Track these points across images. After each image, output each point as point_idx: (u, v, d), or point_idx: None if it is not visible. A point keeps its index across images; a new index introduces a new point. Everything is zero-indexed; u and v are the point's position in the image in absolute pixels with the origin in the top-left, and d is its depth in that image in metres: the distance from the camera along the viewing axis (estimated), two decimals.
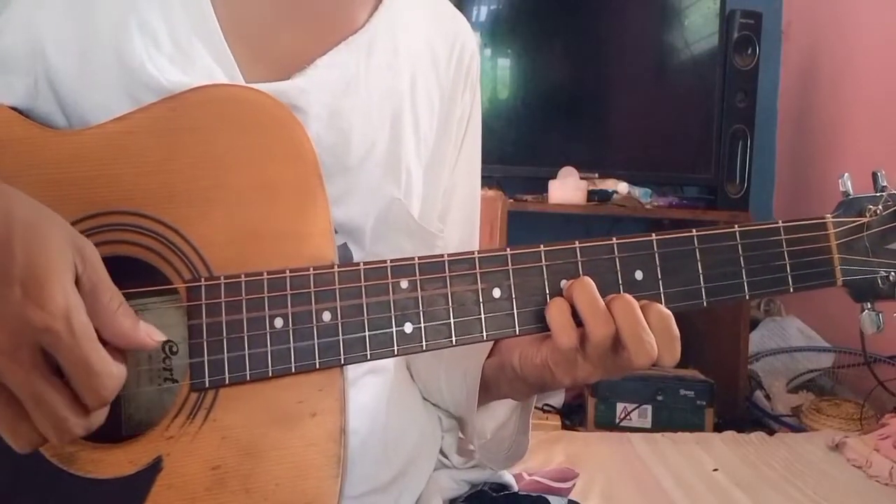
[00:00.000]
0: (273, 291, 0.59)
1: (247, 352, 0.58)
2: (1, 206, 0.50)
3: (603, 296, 0.61)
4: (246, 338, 0.58)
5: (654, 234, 0.64)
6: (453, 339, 0.61)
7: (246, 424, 0.58)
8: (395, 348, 0.60)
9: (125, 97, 0.62)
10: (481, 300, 0.61)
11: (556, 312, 0.61)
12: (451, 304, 0.61)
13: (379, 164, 0.71)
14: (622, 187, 2.47)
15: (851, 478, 1.73)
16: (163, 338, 0.55)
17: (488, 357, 0.73)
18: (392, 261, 0.61)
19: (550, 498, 0.85)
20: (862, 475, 1.74)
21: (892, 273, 0.66)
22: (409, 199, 0.74)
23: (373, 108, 0.71)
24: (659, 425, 2.16)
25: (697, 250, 0.64)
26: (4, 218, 0.49)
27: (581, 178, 2.43)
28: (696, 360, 2.32)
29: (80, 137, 0.60)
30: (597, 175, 2.51)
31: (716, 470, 1.78)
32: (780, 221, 0.66)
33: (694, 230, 0.65)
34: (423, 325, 0.60)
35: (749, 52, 2.50)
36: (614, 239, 0.64)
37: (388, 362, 0.76)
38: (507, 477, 0.87)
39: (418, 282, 0.61)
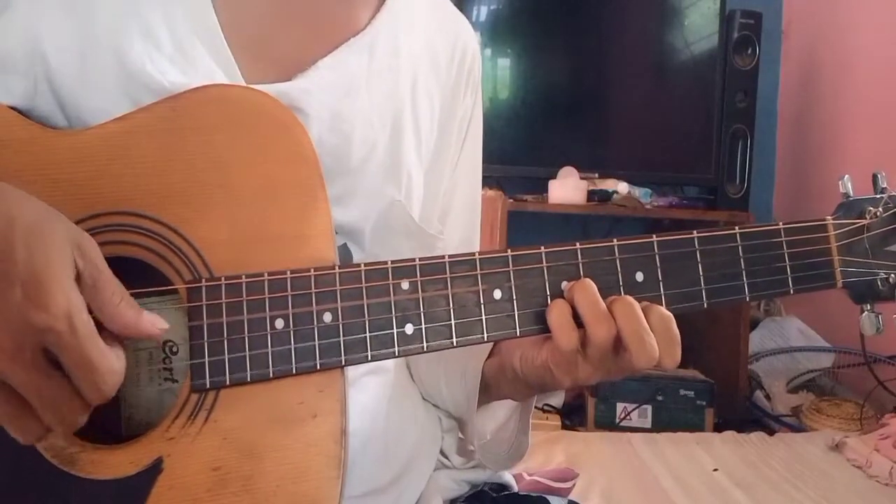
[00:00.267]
0: (274, 292, 0.59)
1: (248, 353, 0.58)
2: (1, 207, 0.50)
3: (604, 297, 0.61)
4: (247, 339, 0.58)
5: (654, 236, 0.64)
6: (454, 340, 0.61)
7: (247, 425, 0.58)
8: (396, 349, 0.60)
9: (125, 99, 0.62)
10: (482, 301, 0.61)
11: (557, 314, 0.61)
12: (451, 305, 0.61)
13: (379, 166, 0.71)
14: (622, 187, 2.47)
15: (851, 478, 1.73)
16: (166, 325, 0.55)
17: (488, 357, 0.73)
18: (393, 262, 0.61)
19: (550, 498, 0.85)
20: (862, 475, 1.74)
21: (892, 275, 0.66)
22: (409, 201, 0.74)
23: (374, 109, 0.71)
24: (659, 425, 2.16)
25: (698, 252, 0.64)
26: (5, 219, 0.49)
27: (581, 178, 2.43)
28: (696, 360, 2.32)
29: (80, 137, 0.60)
30: (597, 175, 2.51)
31: (716, 470, 1.78)
32: (781, 223, 0.66)
33: (695, 232, 0.65)
34: (423, 326, 0.60)
35: (749, 52, 2.50)
36: (615, 240, 0.64)
37: (389, 363, 0.76)
38: (507, 477, 0.87)
39: (419, 283, 0.61)
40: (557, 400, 2.23)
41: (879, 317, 0.66)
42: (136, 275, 0.59)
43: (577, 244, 0.63)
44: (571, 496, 0.94)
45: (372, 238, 0.71)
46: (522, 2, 2.69)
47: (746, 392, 2.39)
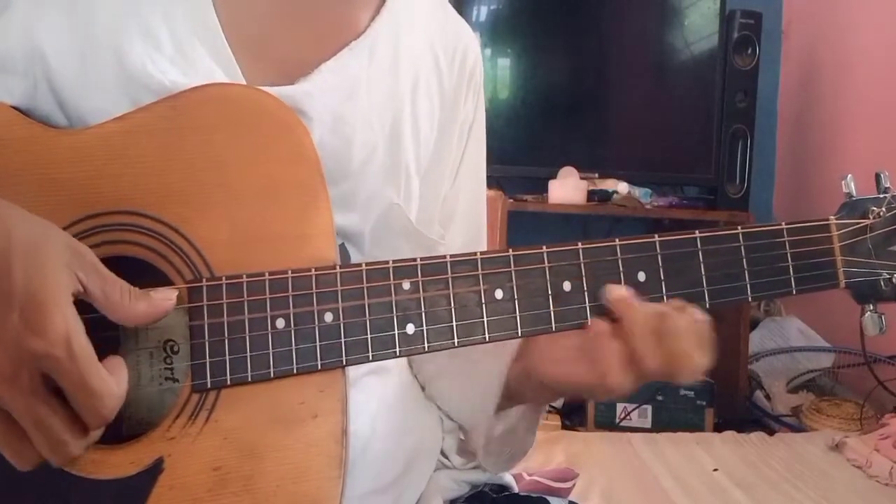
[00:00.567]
0: (275, 292, 0.59)
1: (248, 353, 0.58)
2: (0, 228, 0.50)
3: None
4: (248, 339, 0.58)
5: (657, 236, 0.64)
6: (455, 340, 0.61)
7: (247, 425, 0.58)
8: (398, 349, 0.60)
9: (125, 99, 0.62)
10: (483, 301, 0.61)
11: (616, 359, 0.60)
12: (453, 305, 0.61)
13: (379, 169, 0.71)
14: (622, 187, 2.47)
15: (851, 478, 1.73)
16: (175, 293, 0.56)
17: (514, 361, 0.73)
18: (394, 262, 0.60)
19: (550, 498, 0.85)
20: (862, 475, 1.74)
21: (895, 275, 0.66)
22: (407, 204, 0.73)
23: (374, 112, 0.71)
24: (659, 425, 2.16)
25: (700, 252, 0.64)
26: (3, 239, 0.49)
27: (581, 178, 2.43)
28: None
29: (80, 137, 0.60)
30: (597, 175, 2.51)
31: (716, 470, 1.78)
32: (784, 223, 0.65)
33: (697, 232, 0.64)
34: (425, 327, 0.60)
35: (749, 52, 2.50)
36: (617, 240, 0.64)
37: (390, 363, 0.76)
38: (507, 477, 0.87)
39: (420, 283, 0.60)
40: (557, 400, 2.23)
41: (882, 317, 0.66)
42: (137, 274, 0.59)
43: (580, 244, 0.63)
44: (571, 496, 0.94)
45: (371, 241, 0.71)
46: (522, 2, 2.69)
47: (746, 392, 2.39)
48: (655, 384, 2.17)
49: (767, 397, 2.38)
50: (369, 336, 0.59)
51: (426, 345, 0.60)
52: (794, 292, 0.65)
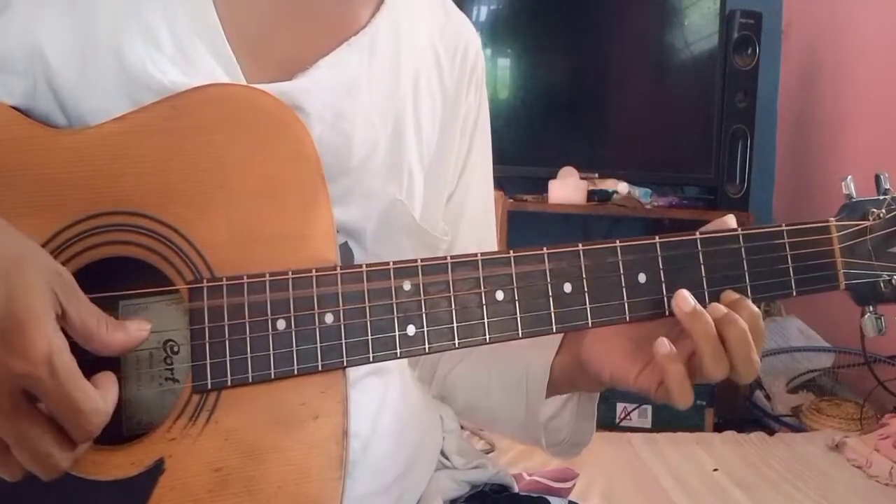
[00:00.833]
0: (275, 293, 0.59)
1: (249, 354, 0.58)
2: None
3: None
4: (248, 340, 0.58)
5: (657, 237, 0.64)
6: (456, 341, 0.61)
7: (248, 426, 0.58)
8: (398, 351, 0.60)
9: (126, 99, 0.62)
10: (484, 303, 0.61)
11: (678, 379, 0.61)
12: (453, 306, 0.61)
13: (381, 166, 0.71)
14: (622, 187, 2.47)
15: (851, 478, 1.73)
16: (149, 325, 0.56)
17: (556, 355, 0.75)
18: (395, 263, 0.60)
19: (550, 498, 0.85)
20: (862, 475, 1.74)
21: (895, 277, 0.66)
22: (410, 201, 0.73)
23: (375, 108, 0.71)
24: (659, 425, 2.16)
25: (700, 253, 0.64)
26: None
27: (581, 178, 2.44)
28: None
29: (80, 137, 0.60)
30: (597, 175, 2.51)
31: (716, 470, 1.78)
32: (784, 224, 0.65)
33: (697, 233, 0.65)
34: (425, 328, 0.60)
35: (749, 52, 2.50)
36: (618, 241, 0.64)
37: (391, 363, 0.76)
38: (508, 477, 0.87)
39: (421, 284, 0.60)
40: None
41: (881, 318, 0.66)
42: (137, 274, 0.59)
43: (580, 245, 0.63)
44: (571, 496, 0.94)
45: (373, 238, 0.71)
46: (522, 2, 2.69)
47: (746, 392, 2.39)
48: None
49: (767, 397, 2.38)
50: (370, 337, 0.59)
51: (427, 346, 0.60)
52: (794, 294, 0.66)
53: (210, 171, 0.60)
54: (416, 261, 0.61)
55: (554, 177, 2.45)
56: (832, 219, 0.67)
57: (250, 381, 0.58)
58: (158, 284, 0.59)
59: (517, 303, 0.62)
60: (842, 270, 0.65)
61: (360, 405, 0.70)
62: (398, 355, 0.60)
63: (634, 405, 2.20)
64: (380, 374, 0.74)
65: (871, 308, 0.66)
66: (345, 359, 0.59)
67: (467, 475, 0.84)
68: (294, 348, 0.58)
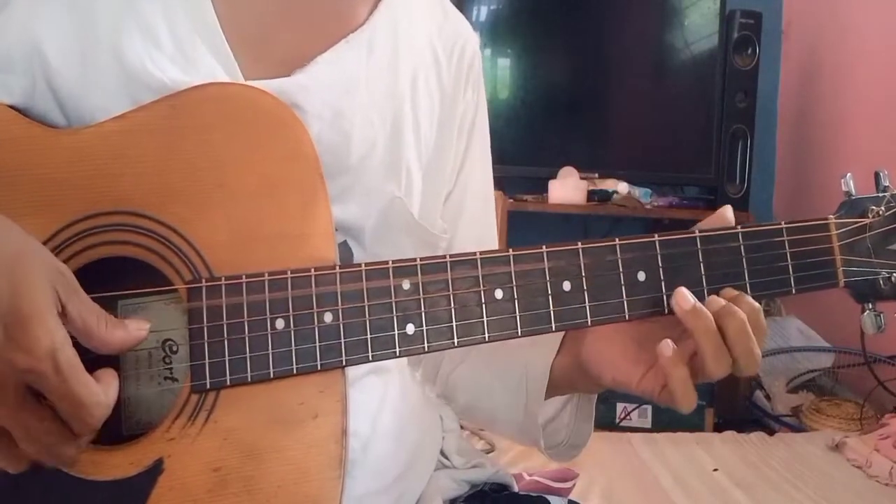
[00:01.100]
0: (274, 293, 0.59)
1: (248, 353, 0.58)
2: None
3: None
4: (247, 339, 0.58)
5: (656, 235, 0.64)
6: (455, 340, 0.61)
7: (247, 426, 0.58)
8: (398, 350, 0.60)
9: (125, 97, 0.62)
10: (483, 301, 0.61)
11: (682, 381, 0.61)
12: (452, 305, 0.61)
13: (379, 164, 0.71)
14: (622, 187, 2.47)
15: (851, 478, 1.73)
16: (147, 323, 0.56)
17: (557, 355, 0.74)
18: (394, 262, 0.60)
19: (550, 498, 0.85)
20: (862, 475, 1.74)
21: (894, 274, 0.66)
22: (409, 199, 0.73)
23: (373, 106, 0.71)
24: (659, 425, 2.16)
25: (700, 251, 0.64)
26: None
27: (581, 178, 2.43)
28: None
29: (79, 136, 0.60)
30: (597, 175, 2.51)
31: (716, 470, 1.78)
32: (783, 222, 0.65)
33: (697, 231, 0.64)
34: (425, 327, 0.60)
35: (749, 52, 2.50)
36: (617, 240, 0.64)
37: (390, 363, 0.76)
38: (507, 477, 0.87)
39: (420, 283, 0.60)
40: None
41: (881, 316, 0.66)
42: (136, 274, 0.59)
43: (579, 244, 0.63)
44: (571, 496, 0.94)
45: (372, 236, 0.70)
46: (522, 2, 2.69)
47: (746, 392, 2.39)
48: None
49: (767, 397, 2.38)
50: (369, 336, 0.59)
51: (426, 345, 0.60)
52: (794, 291, 0.66)
53: (209, 170, 0.60)
54: (415, 259, 0.61)
55: (554, 177, 2.45)
56: (831, 216, 0.67)
57: (249, 380, 0.58)
58: (157, 284, 0.59)
59: (516, 301, 0.62)
60: (841, 268, 0.65)
61: (360, 405, 0.70)
62: (397, 354, 0.60)
63: (634, 405, 2.20)
64: (379, 374, 0.74)
65: (870, 305, 0.66)
66: (344, 358, 0.59)
67: (467, 475, 0.84)
68: (293, 347, 0.58)
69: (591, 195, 2.44)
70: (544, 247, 0.63)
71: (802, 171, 2.83)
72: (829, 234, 0.66)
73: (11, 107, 0.61)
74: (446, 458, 0.85)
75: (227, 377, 0.58)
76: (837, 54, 2.65)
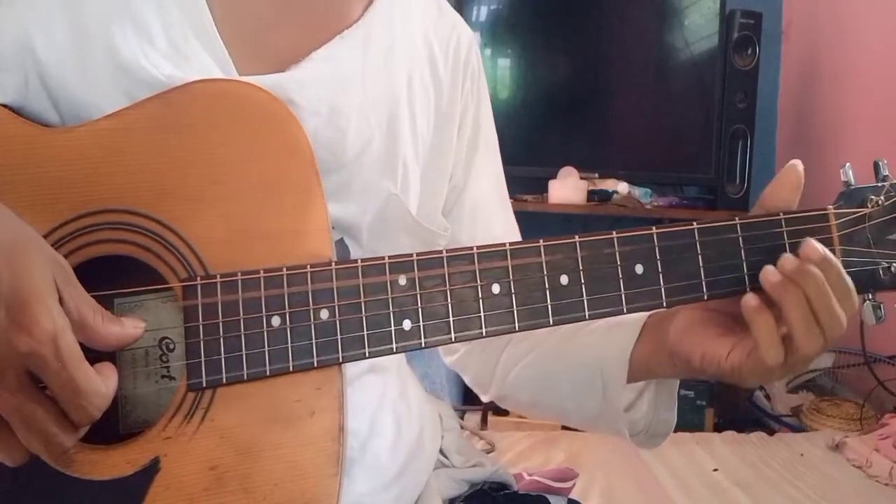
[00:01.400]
0: (270, 290, 0.58)
1: (244, 351, 0.58)
2: None
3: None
4: (243, 337, 0.58)
5: (654, 228, 0.64)
6: (452, 335, 0.60)
7: (244, 424, 0.58)
8: (394, 346, 0.60)
9: (120, 94, 0.62)
10: (480, 296, 0.61)
11: (766, 330, 0.61)
12: (449, 300, 0.60)
13: (375, 160, 0.71)
14: (622, 187, 2.47)
15: (851, 478, 1.73)
16: (144, 322, 0.56)
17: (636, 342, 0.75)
18: (390, 257, 0.60)
19: (550, 498, 0.85)
20: (862, 475, 1.74)
21: (894, 264, 0.65)
22: (406, 195, 0.73)
23: (369, 102, 0.70)
24: None
25: (698, 243, 0.64)
26: None
27: (581, 178, 2.44)
28: None
29: (73, 135, 0.60)
30: (597, 175, 2.51)
31: (716, 470, 1.78)
32: (782, 213, 0.65)
33: (695, 223, 0.64)
34: (421, 322, 0.60)
35: (749, 52, 2.50)
36: (614, 233, 0.63)
37: (389, 361, 0.76)
38: (507, 477, 0.87)
39: (416, 278, 0.60)
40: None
41: (881, 307, 0.66)
42: (132, 272, 0.59)
43: (577, 237, 0.63)
44: (571, 496, 0.94)
45: (369, 233, 0.70)
46: (522, 2, 2.69)
47: (746, 392, 2.39)
48: None
49: (767, 397, 2.38)
50: (366, 332, 0.59)
51: (423, 340, 0.60)
52: None
53: (203, 167, 0.60)
54: (411, 255, 0.60)
55: (554, 177, 2.45)
56: (830, 206, 0.66)
57: (245, 378, 0.58)
58: (153, 282, 0.59)
59: (513, 296, 0.61)
60: (840, 258, 0.64)
61: (359, 404, 0.69)
62: (394, 350, 0.60)
63: None
64: (378, 373, 0.74)
65: (870, 296, 0.66)
66: (340, 354, 0.59)
67: (466, 474, 0.84)
68: (289, 344, 0.58)
69: (591, 195, 2.44)
70: (541, 240, 0.62)
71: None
72: (829, 225, 0.66)
73: (5, 106, 0.61)
74: (446, 457, 0.85)
75: (224, 375, 0.58)
76: (837, 54, 2.65)
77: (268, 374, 0.58)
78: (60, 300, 0.50)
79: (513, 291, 0.61)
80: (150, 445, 0.57)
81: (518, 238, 0.88)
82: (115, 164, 0.59)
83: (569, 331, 0.78)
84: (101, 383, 0.51)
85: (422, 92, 0.76)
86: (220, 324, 0.58)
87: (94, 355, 0.53)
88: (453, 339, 0.60)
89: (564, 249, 0.63)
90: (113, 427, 0.60)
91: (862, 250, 0.65)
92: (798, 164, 0.65)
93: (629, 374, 0.75)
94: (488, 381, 0.88)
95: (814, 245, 0.61)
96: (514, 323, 0.61)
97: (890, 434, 1.83)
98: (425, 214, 0.75)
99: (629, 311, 0.63)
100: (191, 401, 0.58)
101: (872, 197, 0.66)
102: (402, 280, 0.60)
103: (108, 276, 0.58)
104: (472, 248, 0.61)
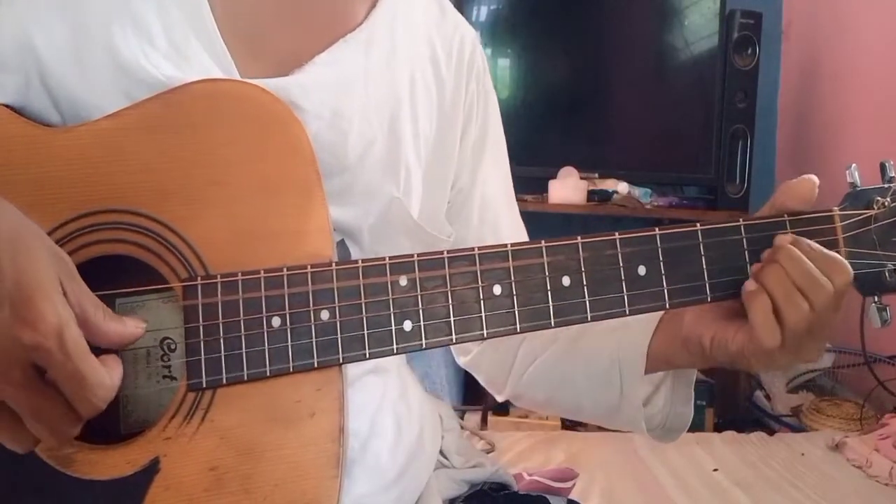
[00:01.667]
0: (270, 290, 0.58)
1: (244, 351, 0.58)
2: None
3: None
4: (243, 337, 0.58)
5: (657, 229, 0.64)
6: (453, 337, 0.60)
7: (244, 424, 0.58)
8: (395, 347, 0.60)
9: (120, 95, 0.62)
10: (482, 297, 0.61)
11: (762, 311, 0.62)
12: (450, 301, 0.60)
13: (377, 163, 0.71)
14: (622, 187, 2.47)
15: (851, 478, 1.73)
16: (145, 323, 0.56)
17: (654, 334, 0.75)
18: (391, 258, 0.60)
19: (550, 498, 0.85)
20: (862, 475, 1.74)
21: None
22: (408, 198, 0.73)
23: (371, 106, 0.70)
24: None
25: (701, 245, 0.64)
26: None
27: (581, 178, 2.43)
28: None
29: (73, 135, 0.60)
30: (597, 175, 2.51)
31: (716, 470, 1.78)
32: (786, 215, 0.65)
33: (698, 225, 0.64)
34: (422, 323, 0.60)
35: (749, 52, 2.50)
36: (617, 234, 0.63)
37: (389, 362, 0.76)
38: (507, 477, 0.87)
39: (417, 279, 0.60)
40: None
41: (886, 309, 0.66)
42: (132, 272, 0.58)
43: (579, 238, 0.63)
44: (571, 496, 0.94)
45: (371, 236, 0.70)
46: (522, 2, 2.68)
47: (746, 392, 2.39)
48: None
49: (767, 397, 2.38)
50: (366, 333, 0.59)
51: (423, 341, 0.60)
52: None
53: (204, 167, 0.60)
54: (412, 256, 0.60)
55: (554, 177, 2.44)
56: (836, 208, 0.66)
57: (245, 378, 0.58)
58: (154, 282, 0.59)
59: (515, 297, 0.61)
60: (846, 260, 0.64)
61: (359, 404, 0.69)
62: (395, 351, 0.60)
63: None
64: (378, 374, 0.74)
65: (875, 298, 0.66)
66: (340, 355, 0.59)
67: (466, 474, 0.84)
68: (289, 345, 0.58)
69: (591, 195, 2.44)
70: (543, 242, 0.62)
71: (802, 171, 2.76)
72: (834, 226, 0.66)
73: (6, 106, 0.61)
74: (446, 457, 0.84)
75: (224, 375, 0.57)
76: (837, 54, 2.65)
77: (268, 374, 0.58)
78: (63, 295, 0.50)
79: (514, 292, 0.61)
80: (150, 446, 0.57)
81: (525, 238, 0.88)
82: (116, 163, 0.59)
83: (583, 325, 0.79)
84: (107, 375, 0.51)
85: (424, 92, 0.76)
86: (221, 324, 0.58)
87: (98, 350, 0.53)
88: (454, 341, 0.60)
89: (566, 250, 0.62)
90: (114, 427, 0.60)
91: (867, 252, 0.65)
92: (815, 180, 0.66)
93: (647, 365, 0.75)
94: (503, 380, 0.88)
95: (783, 234, 0.64)
96: (516, 324, 0.61)
97: (890, 434, 1.83)
98: (427, 218, 0.75)
99: (631, 313, 0.63)
100: (191, 401, 0.58)
101: (878, 198, 0.65)
102: (403, 281, 0.60)
103: (109, 277, 0.58)
104: (472, 249, 0.61)
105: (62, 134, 0.60)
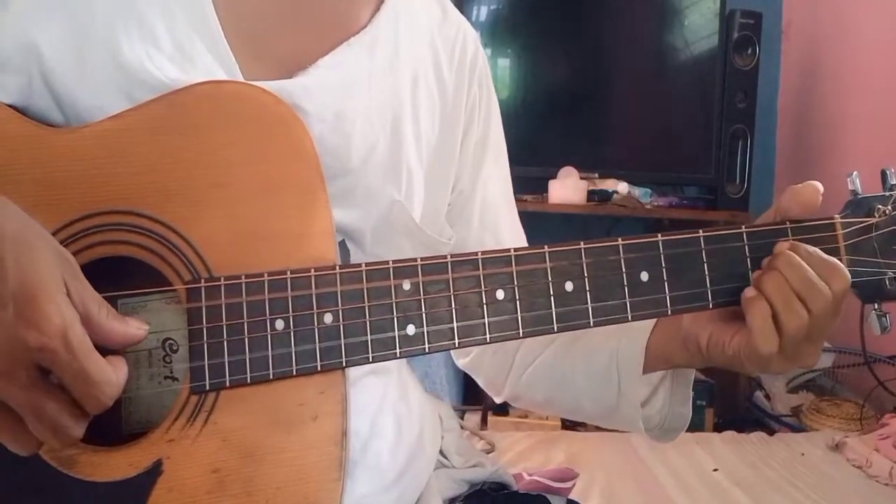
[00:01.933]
0: (274, 293, 0.58)
1: (247, 354, 0.58)
2: None
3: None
4: (247, 340, 0.58)
5: (660, 235, 0.64)
6: (456, 341, 0.60)
7: (247, 427, 0.58)
8: (398, 351, 0.60)
9: (122, 96, 0.61)
10: (485, 302, 0.61)
11: (760, 317, 0.62)
12: (453, 306, 0.60)
13: (379, 166, 0.71)
14: (622, 187, 2.47)
15: (851, 478, 1.73)
16: (148, 325, 0.55)
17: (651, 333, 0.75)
18: (394, 262, 0.60)
19: (550, 498, 0.85)
20: (862, 475, 1.74)
21: None
22: (410, 202, 0.73)
23: (374, 109, 0.70)
24: None
25: (704, 251, 0.64)
26: None
27: (581, 178, 2.43)
28: None
29: (76, 135, 0.60)
30: (597, 175, 2.50)
31: (716, 470, 1.78)
32: (788, 222, 0.65)
33: (700, 231, 0.64)
34: (425, 327, 0.60)
35: (749, 52, 2.49)
36: (620, 240, 0.63)
37: (390, 363, 0.76)
38: (507, 477, 0.87)
39: (421, 283, 0.60)
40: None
41: (887, 316, 0.66)
42: (135, 274, 0.58)
43: (582, 243, 0.63)
44: (571, 496, 0.94)
45: (373, 239, 0.70)
46: (522, 2, 2.68)
47: (746, 392, 2.39)
48: None
49: (767, 397, 2.38)
50: (369, 337, 0.59)
51: (427, 346, 0.60)
52: None
53: (208, 169, 0.60)
54: (415, 260, 0.60)
55: (554, 177, 2.44)
56: (837, 216, 0.66)
57: (248, 381, 0.58)
58: (157, 284, 0.59)
59: (518, 302, 0.61)
60: (847, 268, 0.65)
61: (360, 405, 0.69)
62: (398, 355, 0.60)
63: None
64: (379, 374, 0.74)
65: (876, 306, 0.66)
66: (344, 359, 0.59)
67: (466, 474, 0.84)
68: (293, 348, 0.58)
69: (591, 195, 2.44)
70: (546, 247, 0.62)
71: (802, 171, 2.82)
72: (835, 234, 0.66)
73: (9, 106, 0.61)
74: (446, 457, 0.85)
75: (227, 378, 0.57)
76: (837, 54, 2.65)
77: (271, 377, 0.58)
78: (67, 293, 0.50)
79: (517, 297, 0.61)
80: (153, 448, 0.57)
81: (524, 241, 0.88)
82: (120, 164, 0.59)
83: None
84: (113, 372, 0.51)
85: (426, 94, 0.76)
86: (224, 326, 0.58)
87: (102, 351, 0.53)
88: (457, 345, 0.60)
89: (569, 256, 0.62)
90: (116, 428, 0.60)
91: (868, 260, 0.65)
92: (819, 187, 0.66)
93: (645, 364, 0.76)
94: (502, 381, 0.88)
95: (783, 241, 0.64)
96: (519, 329, 0.61)
97: (890, 434, 1.83)
98: (428, 221, 0.75)
99: (634, 319, 0.63)
100: (194, 403, 0.58)
101: (879, 206, 0.65)
102: (407, 285, 0.60)
103: (112, 278, 0.58)
104: (476, 254, 0.61)
105: (66, 134, 0.60)
